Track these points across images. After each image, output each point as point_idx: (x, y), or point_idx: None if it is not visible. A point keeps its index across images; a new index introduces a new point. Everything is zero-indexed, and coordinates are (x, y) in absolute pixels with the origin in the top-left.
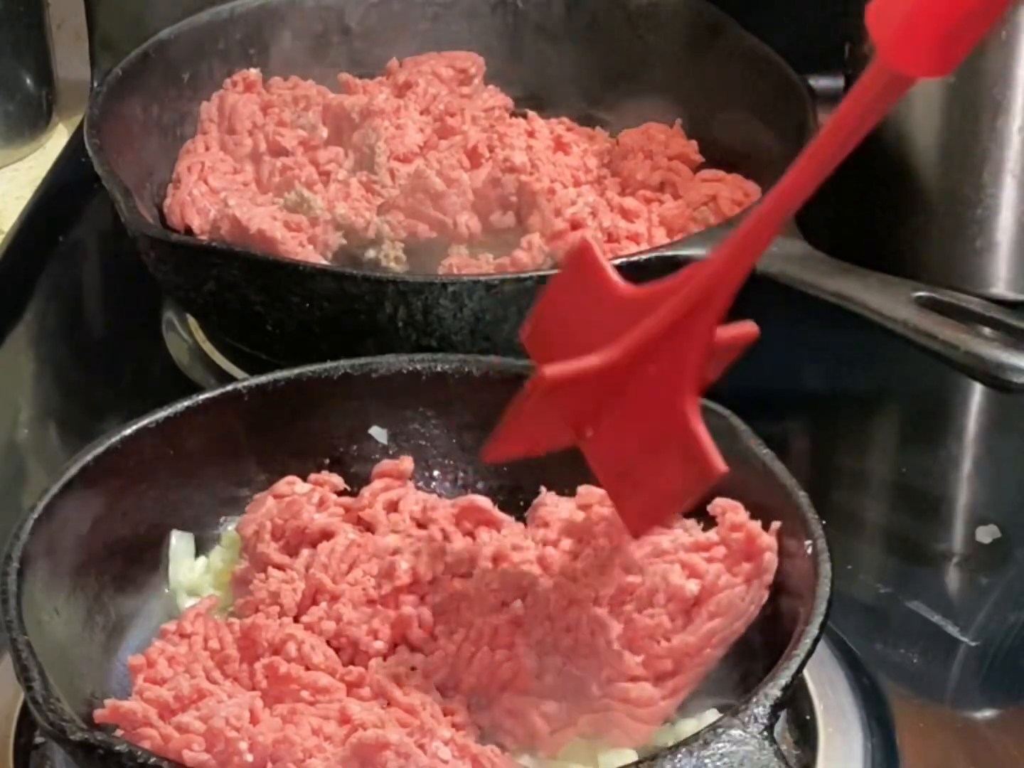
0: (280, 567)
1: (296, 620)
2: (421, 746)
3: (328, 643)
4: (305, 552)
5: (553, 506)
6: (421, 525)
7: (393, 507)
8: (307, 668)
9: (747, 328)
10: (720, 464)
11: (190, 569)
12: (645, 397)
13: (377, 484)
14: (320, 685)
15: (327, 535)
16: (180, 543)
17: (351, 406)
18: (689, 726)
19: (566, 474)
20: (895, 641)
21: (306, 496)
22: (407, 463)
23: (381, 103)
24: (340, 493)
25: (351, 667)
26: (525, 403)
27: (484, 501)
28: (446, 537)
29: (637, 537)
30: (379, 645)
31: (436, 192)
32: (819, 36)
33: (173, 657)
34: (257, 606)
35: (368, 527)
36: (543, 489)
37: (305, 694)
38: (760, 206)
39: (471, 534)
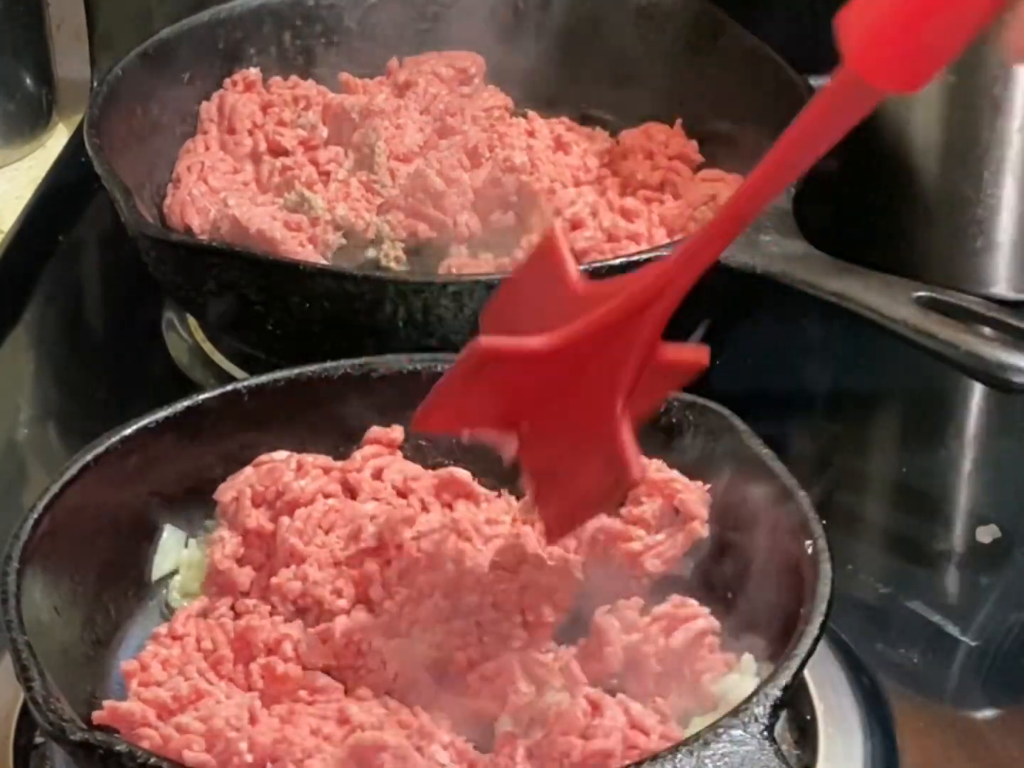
0: (259, 533)
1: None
2: (419, 749)
3: (294, 603)
4: (285, 519)
5: None
6: (402, 494)
7: (379, 474)
8: (304, 668)
9: (697, 353)
10: (639, 472)
11: (176, 561)
12: (580, 396)
13: (368, 449)
14: (318, 685)
15: (307, 501)
16: (171, 537)
17: (351, 406)
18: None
19: None
20: (895, 641)
21: (284, 462)
22: (397, 431)
23: (381, 103)
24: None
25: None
26: (459, 370)
27: (464, 474)
28: (424, 507)
29: (551, 542)
30: (342, 603)
31: (436, 192)
32: (819, 36)
33: (166, 660)
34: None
35: (353, 492)
36: None
37: (303, 694)
38: (718, 211)
39: (450, 506)
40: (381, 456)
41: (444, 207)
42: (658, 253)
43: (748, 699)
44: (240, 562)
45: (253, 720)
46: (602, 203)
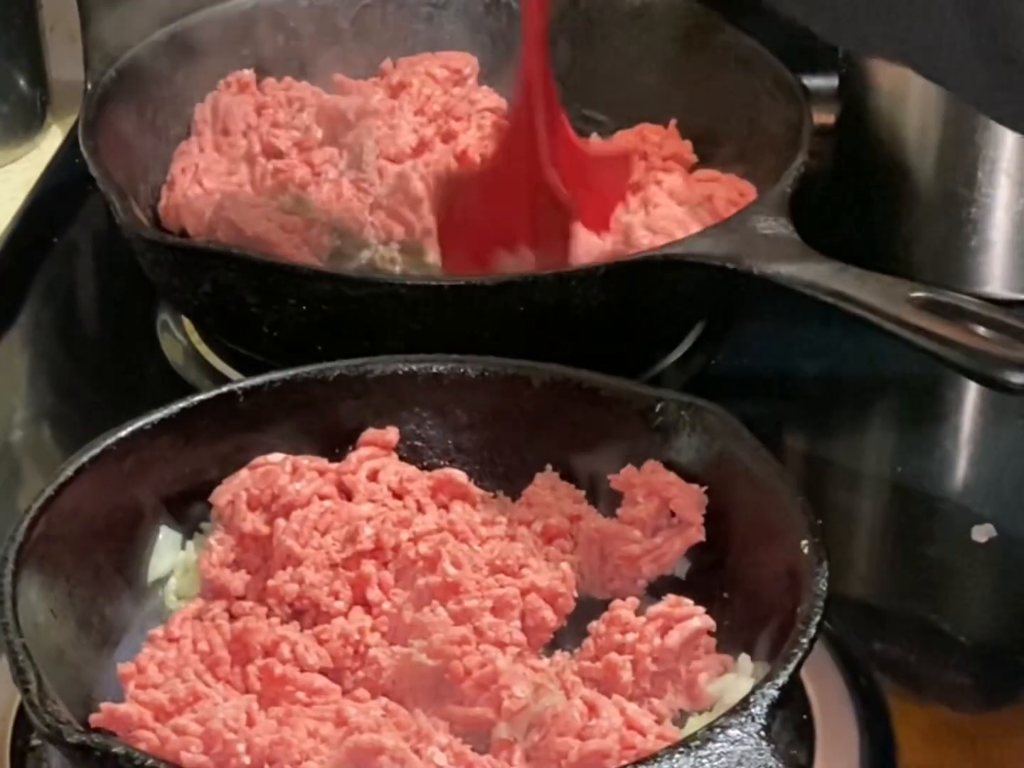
0: (255, 536)
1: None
2: (417, 751)
3: (291, 605)
4: (281, 522)
5: (543, 488)
6: (397, 496)
7: (375, 476)
8: (302, 670)
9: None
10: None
11: (172, 563)
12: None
13: (363, 451)
14: (315, 687)
15: (302, 504)
16: (167, 539)
17: (347, 407)
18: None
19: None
20: (893, 641)
21: (280, 465)
22: (392, 433)
23: (375, 104)
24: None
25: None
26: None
27: (460, 475)
28: (420, 509)
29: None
30: (339, 605)
31: (415, 197)
32: (814, 35)
33: (163, 662)
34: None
35: (348, 494)
36: (548, 467)
37: (301, 695)
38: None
39: (446, 507)
40: (376, 458)
41: (421, 213)
42: (655, 253)
43: (745, 699)
44: (235, 566)
45: (251, 722)
46: None
